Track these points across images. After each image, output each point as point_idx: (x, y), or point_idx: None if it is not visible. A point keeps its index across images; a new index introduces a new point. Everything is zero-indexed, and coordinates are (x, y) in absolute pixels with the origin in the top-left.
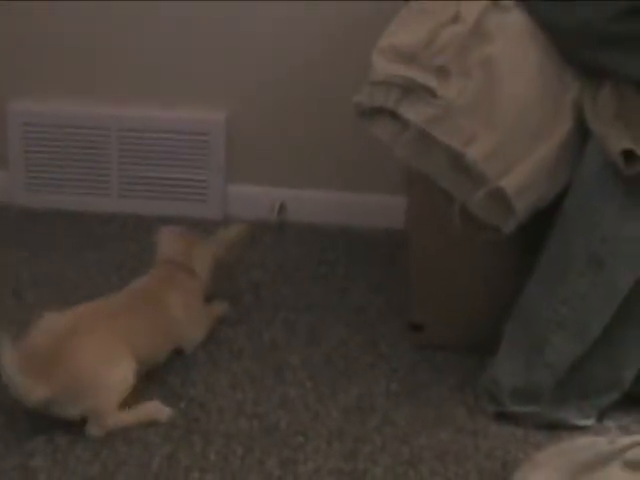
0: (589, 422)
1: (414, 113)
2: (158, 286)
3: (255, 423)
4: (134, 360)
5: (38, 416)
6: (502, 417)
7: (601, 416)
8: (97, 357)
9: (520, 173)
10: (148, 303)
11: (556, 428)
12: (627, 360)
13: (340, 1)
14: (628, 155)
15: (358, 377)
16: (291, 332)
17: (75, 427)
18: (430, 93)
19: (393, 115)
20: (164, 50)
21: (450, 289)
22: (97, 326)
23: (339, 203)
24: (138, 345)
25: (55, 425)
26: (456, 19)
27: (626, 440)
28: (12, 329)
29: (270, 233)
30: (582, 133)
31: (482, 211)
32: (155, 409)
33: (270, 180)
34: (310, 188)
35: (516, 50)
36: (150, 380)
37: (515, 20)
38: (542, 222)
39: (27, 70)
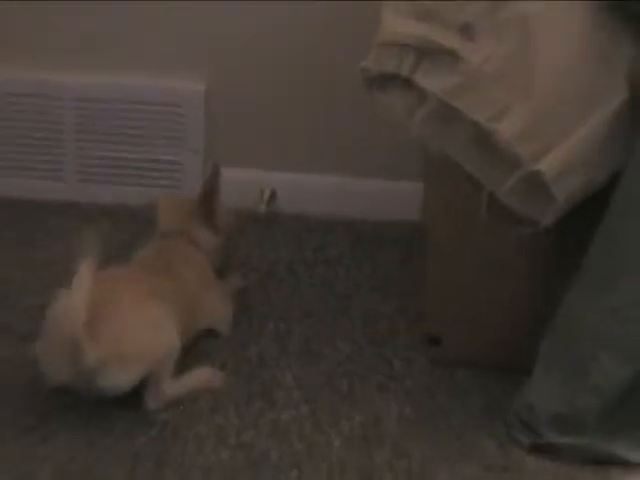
0: None
1: (433, 81)
2: (167, 261)
3: (239, 454)
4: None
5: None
6: (538, 450)
7: None
8: (145, 319)
9: (561, 154)
10: (165, 277)
11: (605, 464)
12: None
13: None
14: None
15: (364, 400)
16: (283, 345)
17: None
18: (453, 57)
19: (407, 84)
20: (132, 4)
21: (474, 295)
22: (134, 289)
23: (341, 191)
24: (175, 313)
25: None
26: None
27: None
28: None
29: (258, 226)
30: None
31: (515, 200)
32: (209, 375)
33: (258, 163)
34: (306, 172)
35: (556, 6)
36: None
37: None
38: (587, 215)
39: None
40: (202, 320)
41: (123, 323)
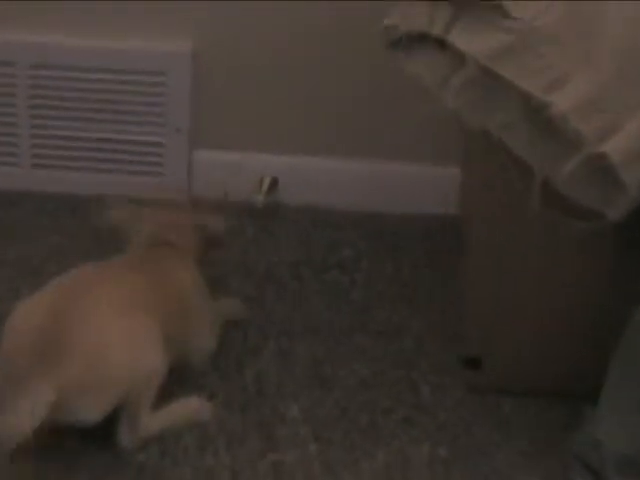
0: None
1: (472, 42)
2: (156, 263)
3: None
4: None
5: None
6: None
7: None
8: (121, 334)
9: (631, 132)
10: (152, 280)
11: None
12: None
13: None
14: None
15: (387, 436)
16: (286, 369)
17: None
18: (497, 12)
19: (441, 46)
20: None
21: (521, 309)
22: (110, 295)
23: (357, 177)
24: (161, 327)
25: None
26: None
27: None
28: None
29: (256, 222)
30: None
31: (575, 189)
32: (196, 406)
33: (256, 144)
34: (313, 156)
35: None
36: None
37: None
38: None
39: None
40: (188, 339)
41: (93, 338)
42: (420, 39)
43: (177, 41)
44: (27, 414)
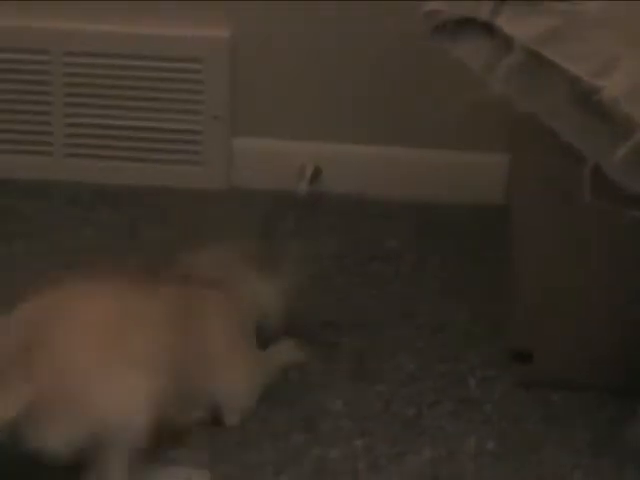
0: None
1: (520, 26)
2: (189, 300)
3: None
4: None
5: None
6: None
7: None
8: (103, 366)
9: None
10: (177, 318)
11: None
12: None
13: None
14: None
15: (434, 431)
16: (331, 362)
17: None
18: None
19: (487, 30)
20: None
21: (573, 299)
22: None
23: (404, 166)
24: (158, 376)
25: None
26: None
27: None
28: None
29: (298, 212)
30: None
31: (627, 175)
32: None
33: (297, 131)
34: (357, 144)
35: None
36: None
37: None
38: None
39: None
40: (208, 397)
41: (68, 358)
42: (466, 24)
43: (214, 27)
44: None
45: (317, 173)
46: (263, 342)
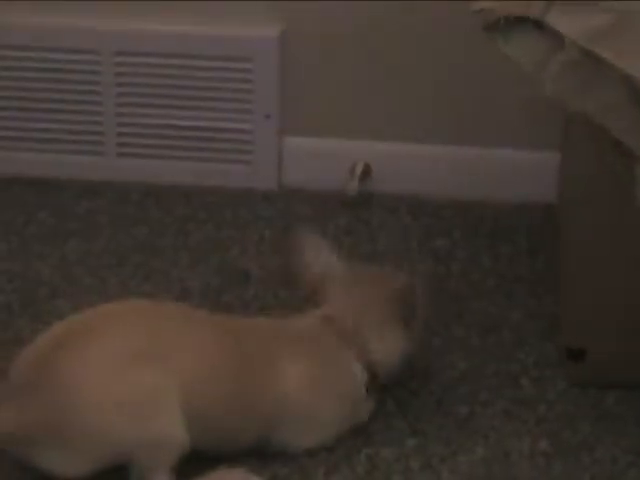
0: None
1: (571, 23)
2: (273, 339)
3: None
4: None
5: None
6: None
7: None
8: (122, 387)
9: None
10: (246, 351)
11: None
12: None
13: None
14: None
15: (486, 429)
16: None
17: None
18: None
19: (539, 28)
20: None
21: (628, 296)
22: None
23: (455, 165)
24: (196, 396)
25: None
26: None
27: None
28: None
29: (348, 211)
30: None
31: None
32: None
33: (347, 130)
34: (408, 142)
35: None
36: None
37: None
38: None
39: None
40: (267, 427)
41: (78, 378)
42: (517, 22)
43: (264, 26)
44: None
45: (367, 172)
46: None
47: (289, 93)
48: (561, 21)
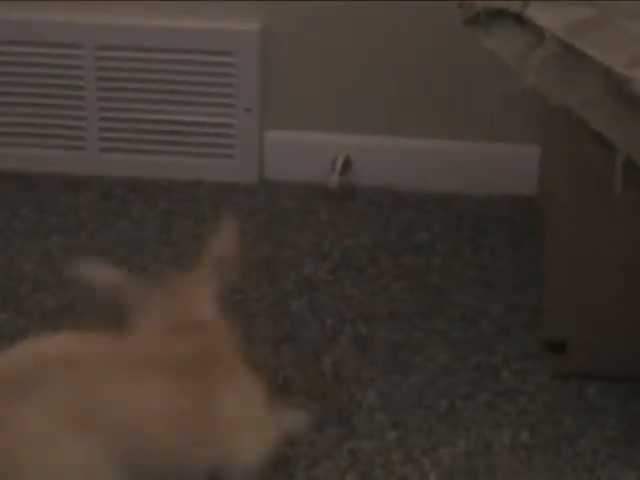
0: None
1: (551, 17)
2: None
3: None
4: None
5: None
6: None
7: None
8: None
9: None
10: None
11: None
12: None
13: None
14: None
15: (468, 422)
16: (364, 354)
17: None
18: None
19: (519, 21)
20: None
21: (607, 288)
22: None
23: (436, 158)
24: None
25: None
26: None
27: None
28: None
29: (329, 203)
30: None
31: None
32: None
33: (328, 123)
34: (389, 135)
35: None
36: None
37: None
38: None
39: None
40: (213, 458)
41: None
42: (498, 15)
43: (245, 20)
44: None
45: (348, 165)
46: None
47: (270, 87)
48: (541, 15)
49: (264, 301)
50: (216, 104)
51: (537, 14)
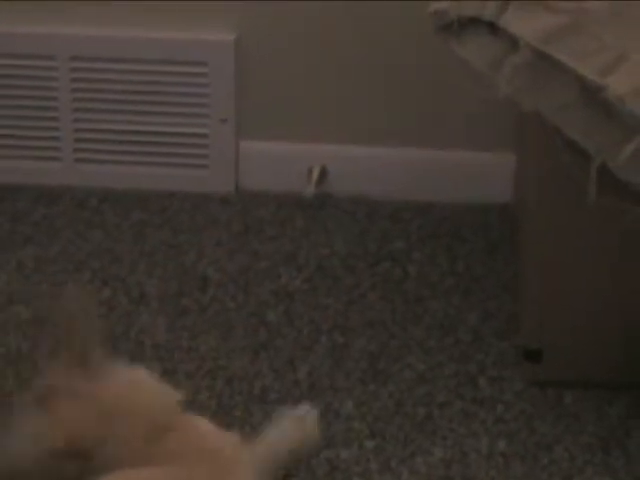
0: None
1: (525, 25)
2: None
3: None
4: None
5: None
6: None
7: None
8: None
9: None
10: None
11: None
12: None
13: None
14: None
15: (445, 430)
16: (340, 364)
17: None
18: None
19: (493, 29)
20: None
21: (583, 297)
22: None
23: (411, 167)
24: None
25: None
26: None
27: None
28: None
29: (304, 213)
30: None
31: (633, 174)
32: None
33: (304, 134)
34: (364, 145)
35: None
36: None
37: None
38: None
39: None
40: None
41: None
42: (471, 23)
43: (219, 30)
44: None
45: (324, 175)
46: None
47: (245, 97)
48: (515, 22)
49: (240, 311)
50: (191, 114)
51: (511, 22)
